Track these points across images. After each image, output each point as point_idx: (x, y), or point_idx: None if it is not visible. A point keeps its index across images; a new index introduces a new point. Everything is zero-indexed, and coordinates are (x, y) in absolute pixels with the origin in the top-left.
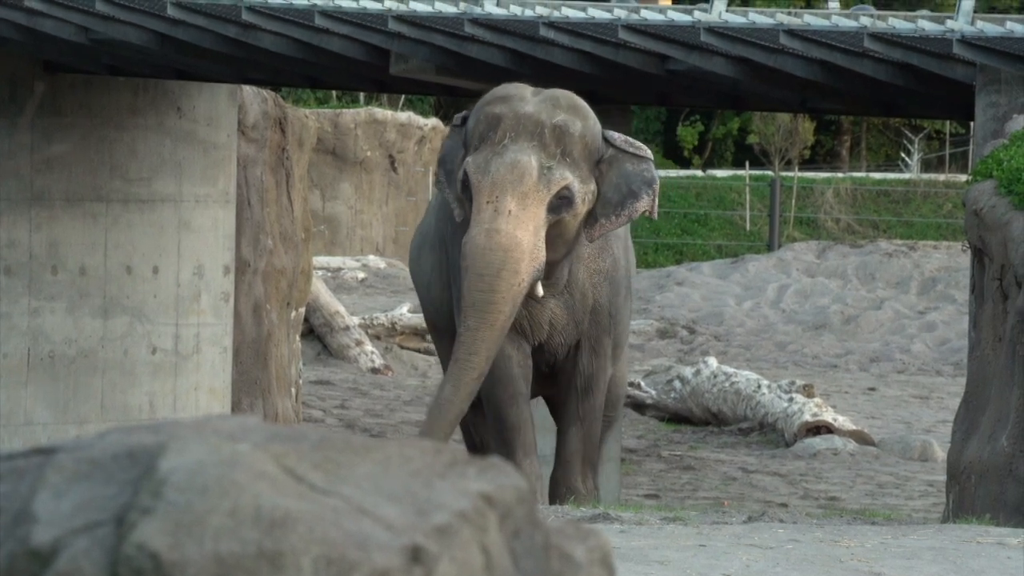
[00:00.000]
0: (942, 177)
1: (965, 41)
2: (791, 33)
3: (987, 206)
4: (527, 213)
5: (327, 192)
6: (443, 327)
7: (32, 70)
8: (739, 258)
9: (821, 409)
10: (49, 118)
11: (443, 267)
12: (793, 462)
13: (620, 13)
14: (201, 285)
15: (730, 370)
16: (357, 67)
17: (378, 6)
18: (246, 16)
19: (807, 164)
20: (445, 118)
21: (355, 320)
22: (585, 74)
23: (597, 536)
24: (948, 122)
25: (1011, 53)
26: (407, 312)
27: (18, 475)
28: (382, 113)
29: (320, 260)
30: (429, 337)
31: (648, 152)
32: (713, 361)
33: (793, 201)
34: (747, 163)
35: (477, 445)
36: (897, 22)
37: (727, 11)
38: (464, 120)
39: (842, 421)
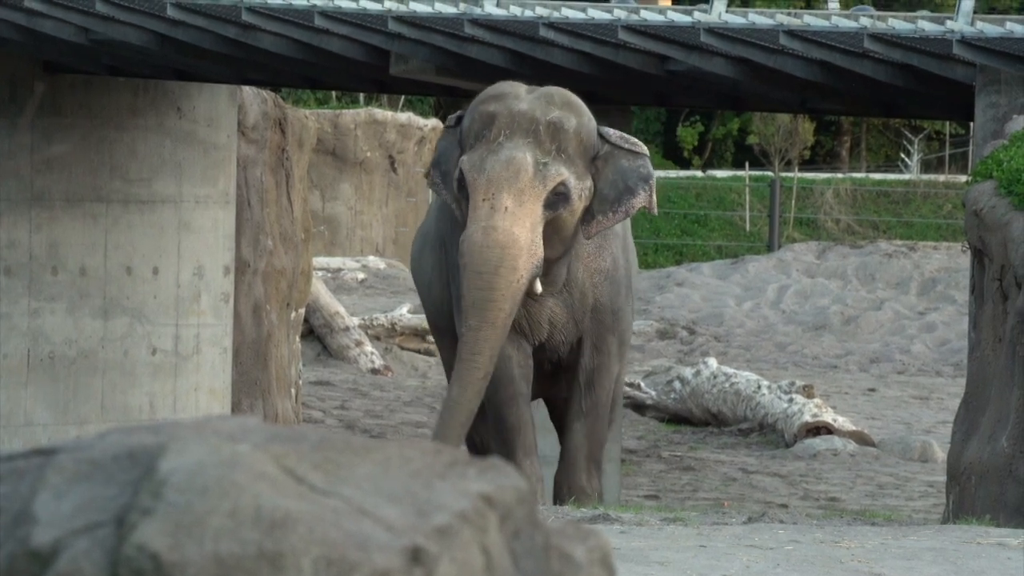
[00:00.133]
0: (942, 178)
1: (965, 42)
2: (791, 34)
3: (987, 207)
4: (524, 210)
5: (327, 193)
6: (444, 327)
7: (32, 70)
8: (739, 259)
9: (821, 410)
10: (49, 118)
11: (443, 267)
12: (793, 463)
13: (620, 14)
14: (201, 286)
15: (730, 371)
16: (357, 68)
17: (378, 7)
18: (246, 17)
19: (807, 165)
20: (445, 119)
21: (355, 321)
22: (585, 75)
23: (597, 537)
24: (948, 123)
25: (1011, 54)
26: (407, 313)
27: (18, 476)
28: (382, 114)
29: (320, 261)
30: (429, 338)
31: (644, 148)
32: (713, 362)
33: (793, 202)
34: (747, 164)
35: (478, 446)
36: (897, 23)
37: (727, 12)
38: (458, 120)
39: (842, 422)
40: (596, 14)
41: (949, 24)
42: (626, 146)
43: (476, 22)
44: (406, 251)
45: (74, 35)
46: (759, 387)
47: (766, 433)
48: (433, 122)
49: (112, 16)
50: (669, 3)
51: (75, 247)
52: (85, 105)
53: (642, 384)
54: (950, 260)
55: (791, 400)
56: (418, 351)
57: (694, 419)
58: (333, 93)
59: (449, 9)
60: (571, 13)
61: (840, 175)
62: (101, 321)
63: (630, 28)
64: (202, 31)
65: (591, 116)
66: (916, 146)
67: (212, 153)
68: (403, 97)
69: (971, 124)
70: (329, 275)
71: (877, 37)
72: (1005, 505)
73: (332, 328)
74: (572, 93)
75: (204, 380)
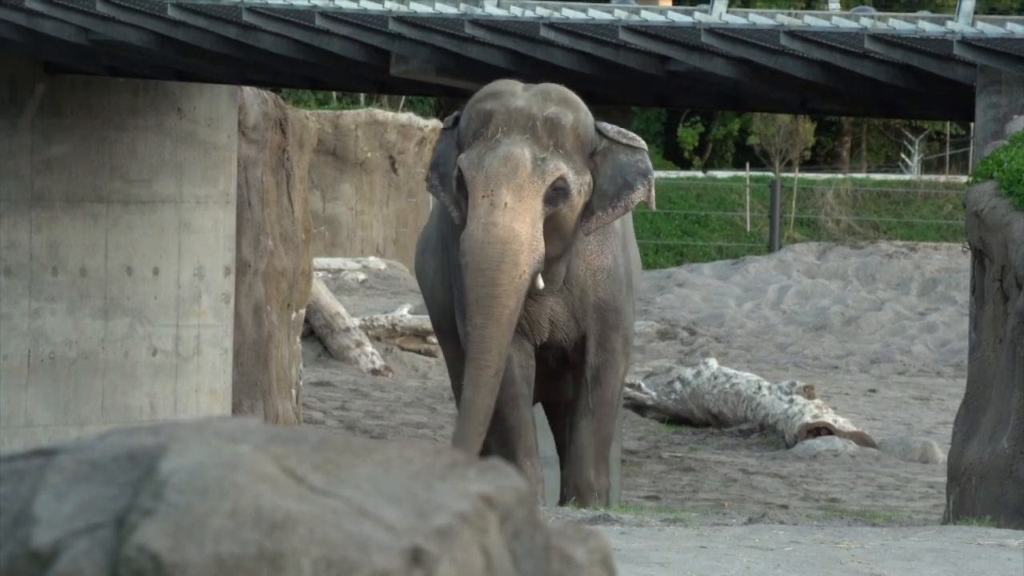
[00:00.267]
0: (942, 178)
1: (965, 42)
2: (791, 34)
3: (987, 207)
4: (523, 205)
5: (327, 193)
6: (447, 329)
7: (32, 71)
8: (739, 259)
9: (821, 410)
10: (49, 119)
11: (446, 269)
12: (793, 464)
13: (620, 14)
14: (201, 286)
15: (730, 371)
16: (357, 68)
17: (378, 7)
18: (246, 17)
19: (807, 165)
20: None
21: (355, 321)
22: (585, 75)
23: (597, 537)
24: (948, 123)
25: (1011, 54)
26: (407, 313)
27: (19, 477)
28: (382, 114)
29: (320, 261)
30: (430, 338)
31: (642, 142)
32: (713, 362)
33: (793, 202)
34: (747, 164)
35: (486, 449)
36: (897, 23)
37: (727, 12)
38: (455, 121)
39: (842, 422)
40: (597, 14)
41: (950, 24)
42: (624, 141)
43: (477, 22)
44: (407, 252)
45: (74, 35)
46: (759, 388)
47: (766, 434)
48: (433, 123)
49: (112, 16)
50: (670, 3)
51: (75, 247)
52: (85, 105)
53: (642, 385)
54: (951, 261)
55: (791, 401)
56: (418, 352)
57: (694, 420)
58: (334, 93)
59: (450, 9)
60: (572, 13)
61: (841, 176)
62: (101, 322)
63: (631, 28)
64: (202, 31)
65: (588, 112)
66: (917, 146)
67: (212, 153)
68: (403, 98)
69: (971, 125)
70: (330, 276)
71: (877, 38)
72: (1005, 506)
73: (333, 329)
74: (568, 90)
75: (205, 381)
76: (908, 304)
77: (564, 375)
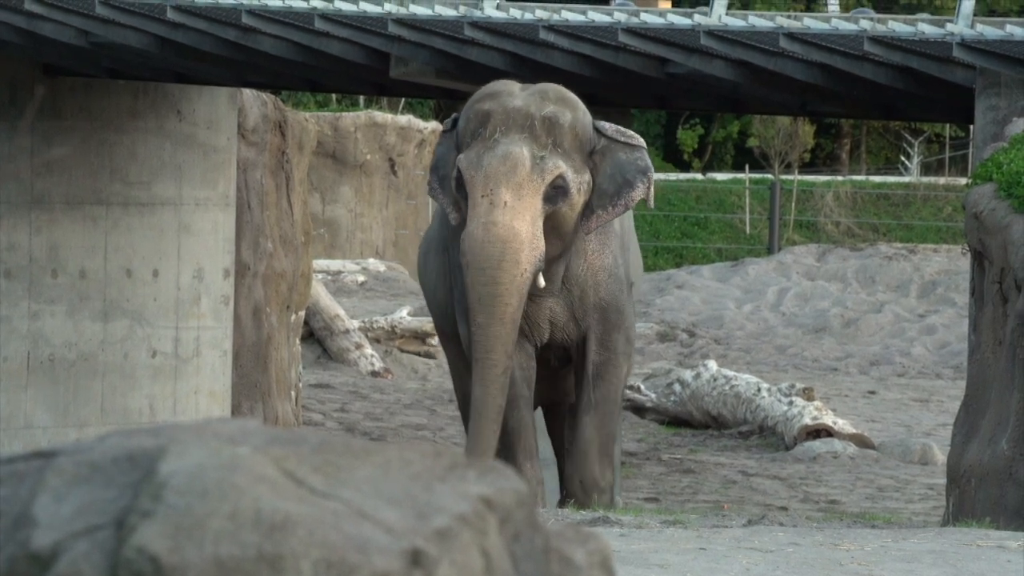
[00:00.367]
0: (942, 180)
1: (965, 44)
2: (791, 36)
3: (987, 209)
4: (523, 203)
5: (327, 195)
6: (450, 332)
7: (32, 73)
8: (739, 261)
9: (821, 412)
10: (49, 121)
11: (448, 272)
12: (793, 465)
13: (620, 16)
14: (201, 288)
15: (730, 373)
16: (357, 70)
17: (378, 9)
18: (246, 19)
19: (807, 167)
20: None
21: (355, 323)
22: (585, 77)
23: (597, 539)
24: (948, 125)
25: (1011, 56)
26: (407, 315)
27: (18, 479)
28: (382, 116)
29: (320, 263)
30: (429, 340)
31: (640, 140)
32: (713, 364)
33: (793, 204)
34: (747, 166)
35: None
36: (897, 25)
37: (727, 14)
38: (454, 123)
39: (842, 424)
40: (596, 17)
41: (949, 27)
42: (622, 139)
43: (476, 25)
44: (406, 254)
45: (74, 38)
46: (759, 390)
47: (766, 436)
48: (433, 125)
49: (112, 19)
50: (669, 5)
51: (75, 250)
52: (85, 108)
53: (642, 387)
54: (950, 263)
55: (791, 403)
56: (418, 354)
57: (694, 422)
58: (333, 96)
59: (449, 12)
60: (571, 16)
61: (840, 178)
62: (101, 324)
63: (630, 31)
64: (202, 34)
65: (586, 111)
66: (916, 149)
67: (212, 156)
68: (403, 100)
69: (971, 127)
70: (329, 278)
71: (877, 40)
72: (1005, 508)
73: (332, 331)
74: (566, 89)
75: (204, 383)
76: (907, 306)
77: (566, 376)
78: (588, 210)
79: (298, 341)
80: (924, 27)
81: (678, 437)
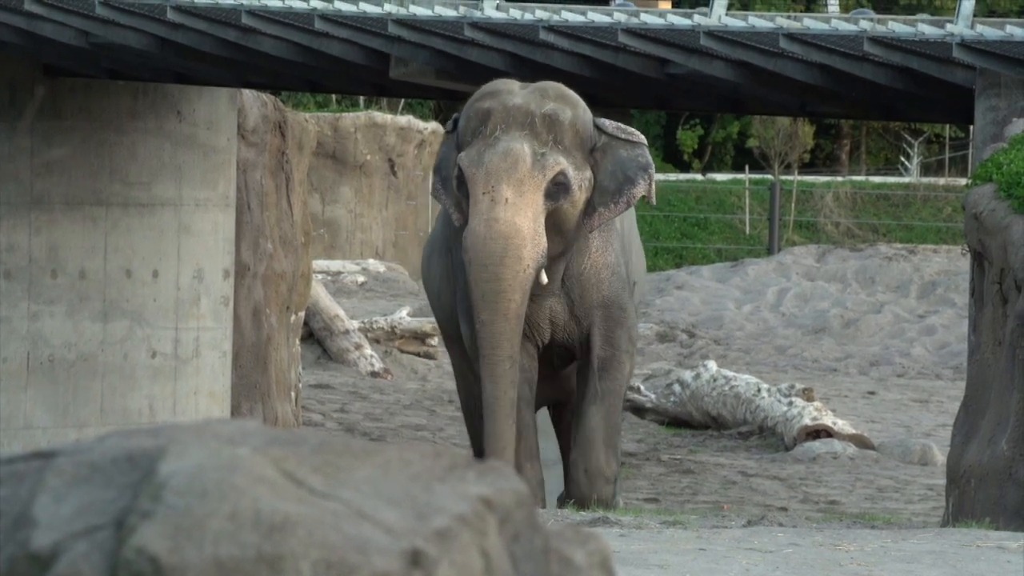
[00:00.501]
0: (942, 181)
1: (965, 45)
2: (791, 37)
3: (987, 210)
4: (524, 200)
5: (327, 196)
6: (454, 334)
7: (32, 74)
8: (739, 262)
9: (821, 413)
10: (49, 122)
11: (452, 273)
12: (793, 466)
13: (620, 17)
14: (201, 289)
15: (730, 374)
16: (357, 71)
17: (378, 10)
18: (246, 20)
19: (807, 168)
20: (445, 122)
21: (355, 324)
22: (585, 78)
23: (596, 540)
24: (948, 126)
25: (1011, 57)
26: (407, 316)
27: (18, 479)
28: (382, 117)
29: (320, 264)
30: (429, 341)
31: (641, 137)
32: (713, 365)
33: (793, 205)
34: (747, 167)
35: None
36: (897, 26)
37: (727, 15)
38: (455, 124)
39: (842, 425)
40: (596, 17)
41: (949, 27)
42: (623, 136)
43: (476, 25)
44: (406, 254)
45: (74, 38)
46: (759, 390)
47: (766, 436)
48: (433, 125)
49: (112, 19)
50: (669, 6)
51: (75, 250)
52: (85, 108)
53: (642, 387)
54: (950, 263)
55: (791, 403)
56: (418, 354)
57: (694, 422)
58: (333, 96)
59: (449, 12)
60: (571, 16)
61: (840, 178)
62: (101, 324)
63: (630, 31)
64: (202, 34)
65: (586, 108)
66: (916, 149)
67: (212, 156)
68: (403, 100)
69: (971, 127)
70: (329, 278)
71: (877, 40)
72: (1005, 508)
73: (332, 331)
74: (566, 87)
75: (204, 383)
76: (907, 307)
77: (569, 376)
78: (590, 208)
79: (298, 342)
80: (924, 28)
81: (678, 438)
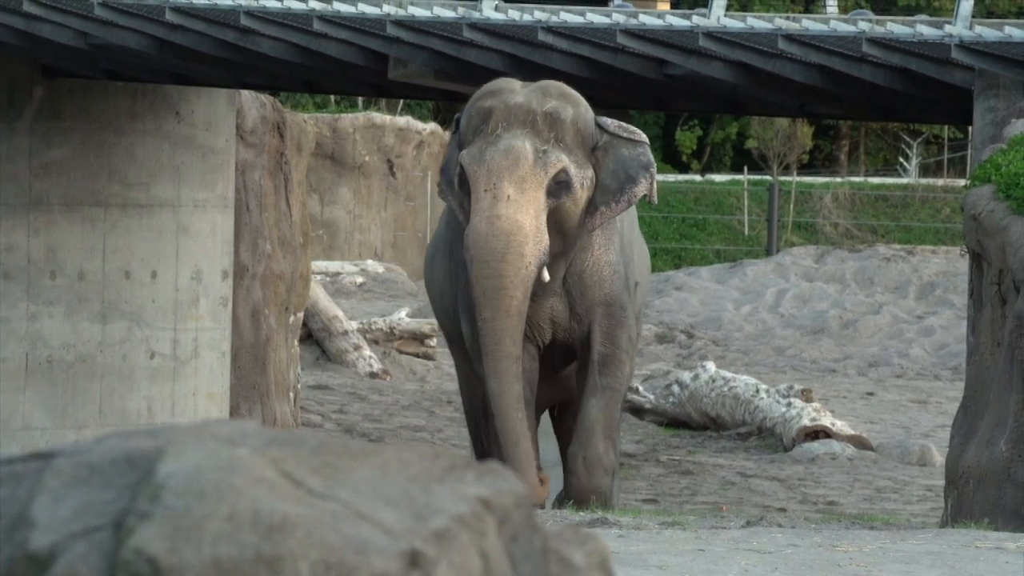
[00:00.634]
0: (940, 182)
1: (963, 46)
2: (789, 38)
3: (985, 211)
4: (526, 197)
5: (325, 197)
6: (457, 335)
7: (31, 75)
8: (737, 263)
9: (819, 414)
10: (48, 123)
11: (454, 274)
12: (791, 467)
13: (618, 18)
14: (199, 290)
15: (728, 374)
16: (355, 72)
17: (376, 11)
18: (244, 21)
19: (805, 169)
20: (444, 123)
21: (353, 325)
22: (583, 79)
23: (595, 540)
24: (946, 127)
25: (1009, 58)
26: (405, 317)
27: (16, 480)
28: (380, 118)
29: (319, 265)
30: (428, 342)
31: (643, 136)
32: (711, 365)
33: (791, 206)
34: (745, 168)
35: (489, 455)
36: (895, 27)
37: (725, 16)
38: (458, 124)
39: (840, 426)
40: (595, 18)
41: (947, 28)
42: (625, 135)
43: (475, 26)
44: (405, 255)
45: (73, 39)
46: (757, 391)
47: (764, 437)
48: (432, 126)
49: (111, 20)
50: (667, 7)
51: (73, 251)
52: (84, 109)
53: (640, 388)
54: (948, 264)
55: (789, 404)
56: (416, 355)
57: (692, 423)
58: (332, 97)
59: (448, 13)
60: (569, 17)
61: (839, 179)
62: (99, 325)
63: (629, 32)
64: (201, 35)
65: (588, 107)
66: (914, 150)
67: (210, 157)
68: (402, 101)
69: (969, 128)
70: (328, 279)
71: (875, 41)
72: (1003, 509)
73: (330, 332)
74: (567, 86)
75: (202, 384)
76: (906, 307)
77: (571, 376)
78: (591, 206)
79: (296, 342)
80: (922, 29)
81: (677, 438)
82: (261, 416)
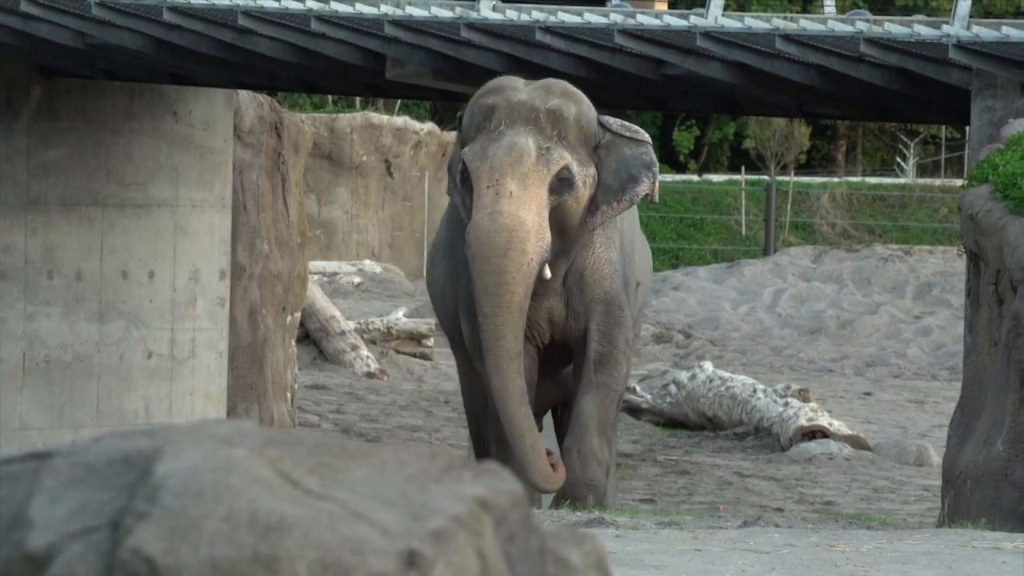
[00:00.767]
0: (938, 182)
1: (961, 46)
2: (787, 38)
3: (983, 211)
4: (529, 194)
5: (323, 197)
6: (458, 336)
7: (28, 75)
8: (735, 263)
9: (817, 414)
10: (45, 123)
11: (455, 274)
12: (789, 467)
13: (616, 18)
14: (197, 290)
15: (726, 374)
16: (353, 72)
17: (374, 11)
18: (242, 21)
19: (803, 169)
20: (441, 123)
21: (351, 325)
22: (581, 79)
23: (592, 540)
24: (944, 127)
25: (1007, 58)
26: (403, 317)
27: (14, 480)
28: (378, 118)
29: (316, 265)
30: (425, 342)
31: (645, 135)
32: (709, 365)
33: (789, 206)
34: (743, 168)
35: (489, 456)
36: (893, 27)
37: (723, 16)
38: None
39: (838, 426)
40: (592, 18)
41: (945, 28)
42: (627, 134)
43: (472, 26)
44: (402, 255)
45: (70, 39)
46: (755, 391)
47: (762, 437)
48: (429, 126)
49: (108, 20)
50: (665, 7)
51: (71, 251)
52: (81, 109)
53: (638, 388)
54: (946, 264)
55: (787, 404)
56: (414, 355)
57: (690, 423)
58: (329, 97)
59: (445, 13)
60: (567, 17)
61: (836, 179)
62: (97, 325)
63: (626, 32)
64: (198, 35)
65: (591, 105)
66: (912, 150)
67: (208, 157)
68: (399, 101)
69: (967, 128)
70: (325, 279)
71: (873, 41)
72: (1000, 509)
73: (328, 332)
74: (570, 84)
75: (200, 384)
76: (903, 307)
77: (570, 376)
78: (593, 205)
79: (294, 342)
80: (920, 29)
81: (674, 438)
82: (258, 416)
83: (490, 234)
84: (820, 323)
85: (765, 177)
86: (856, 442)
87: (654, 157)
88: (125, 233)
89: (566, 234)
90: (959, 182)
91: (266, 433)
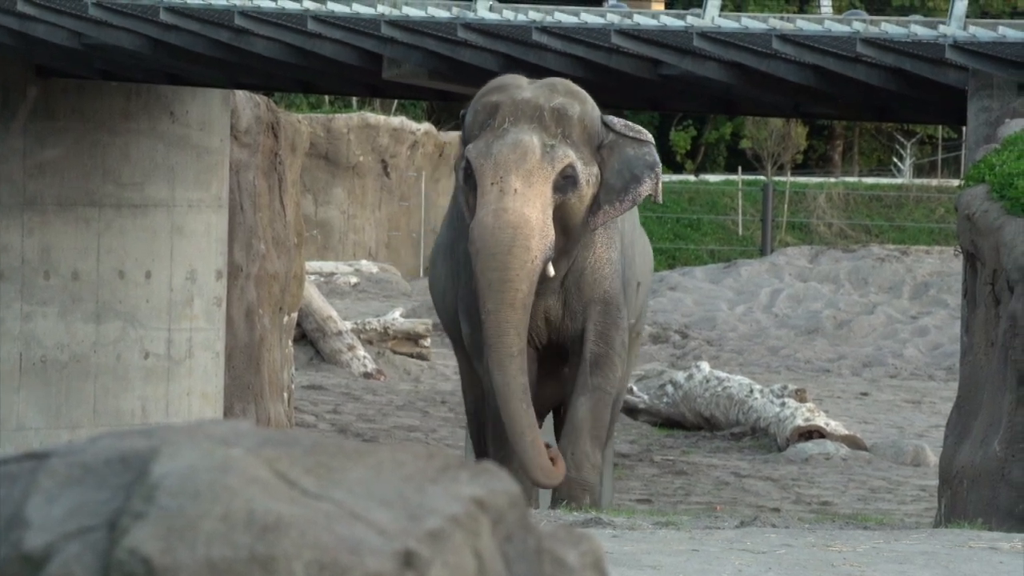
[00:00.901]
0: (934, 182)
1: (957, 46)
2: (784, 38)
3: (979, 211)
4: (533, 191)
5: (320, 197)
6: (459, 336)
7: (24, 75)
8: (732, 263)
9: (813, 414)
10: (42, 122)
11: (456, 274)
12: (785, 467)
13: (613, 18)
14: (194, 290)
15: (723, 375)
16: (350, 72)
17: (371, 11)
18: (239, 21)
19: (800, 169)
20: (438, 123)
21: (348, 325)
22: (578, 79)
23: (589, 540)
24: (940, 127)
25: (1003, 58)
26: (399, 317)
27: (11, 480)
28: (375, 118)
29: (313, 265)
30: (422, 342)
31: (648, 135)
32: (705, 366)
33: (786, 206)
34: (740, 168)
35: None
36: (890, 27)
37: (720, 16)
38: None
39: (834, 426)
40: (589, 18)
41: (942, 28)
42: (631, 134)
43: (469, 26)
44: (399, 255)
45: (67, 39)
46: (751, 391)
47: (758, 437)
48: (426, 126)
49: (105, 20)
50: (662, 7)
51: (67, 251)
52: (78, 109)
53: (634, 388)
54: (942, 264)
55: (783, 404)
56: (410, 355)
57: (686, 423)
58: (326, 97)
59: (442, 13)
60: (564, 17)
61: (833, 179)
62: (93, 325)
63: (623, 32)
64: (195, 35)
65: (594, 104)
66: (909, 150)
67: (205, 157)
68: (396, 101)
69: (963, 128)
70: (322, 279)
71: (870, 41)
72: (997, 509)
73: (325, 332)
74: (574, 83)
75: (196, 384)
76: (900, 308)
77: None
78: (595, 205)
79: (290, 343)
80: (917, 29)
81: (671, 439)
82: (255, 416)
83: (494, 231)
84: (817, 323)
85: (762, 177)
86: (853, 442)
87: (657, 157)
88: (122, 233)
89: (569, 233)
90: (956, 182)
91: (263, 433)
